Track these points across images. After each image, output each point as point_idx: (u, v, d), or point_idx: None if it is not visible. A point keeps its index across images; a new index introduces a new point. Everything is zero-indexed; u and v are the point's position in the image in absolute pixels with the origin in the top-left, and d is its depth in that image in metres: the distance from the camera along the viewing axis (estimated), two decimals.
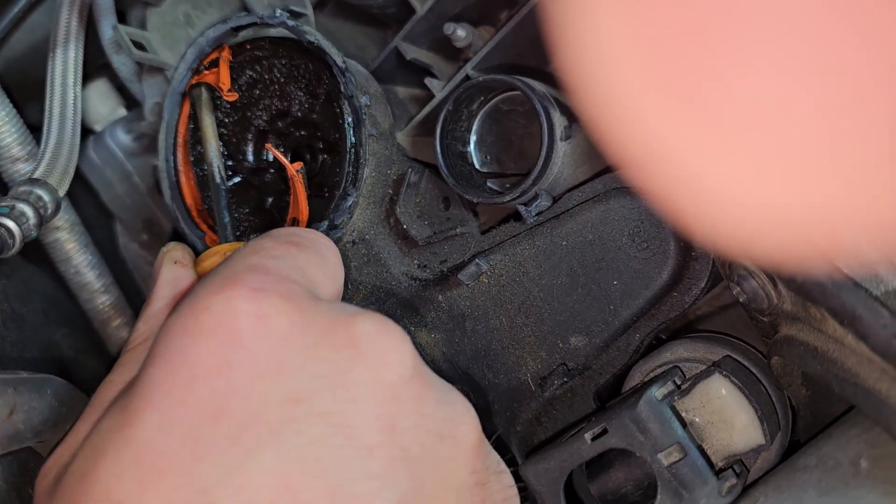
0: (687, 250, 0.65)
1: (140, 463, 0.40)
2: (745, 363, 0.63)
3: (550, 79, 0.79)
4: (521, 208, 0.68)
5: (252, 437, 0.40)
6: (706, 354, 0.65)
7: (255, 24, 0.72)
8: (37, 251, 0.93)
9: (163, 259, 0.59)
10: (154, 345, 0.44)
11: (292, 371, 0.42)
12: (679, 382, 0.62)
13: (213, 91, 0.75)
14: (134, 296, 1.06)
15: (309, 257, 0.51)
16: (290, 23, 0.70)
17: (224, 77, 0.74)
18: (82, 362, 0.87)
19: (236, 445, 0.40)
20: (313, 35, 0.70)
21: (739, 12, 0.26)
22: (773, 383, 0.63)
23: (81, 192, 1.03)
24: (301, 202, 0.69)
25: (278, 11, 0.71)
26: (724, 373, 0.61)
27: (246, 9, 0.81)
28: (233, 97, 0.75)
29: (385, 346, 0.45)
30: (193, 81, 0.75)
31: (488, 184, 0.72)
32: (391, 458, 0.42)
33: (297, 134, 0.77)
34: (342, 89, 0.69)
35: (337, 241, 0.70)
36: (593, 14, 0.30)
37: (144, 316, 0.55)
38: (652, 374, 0.66)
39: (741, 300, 0.58)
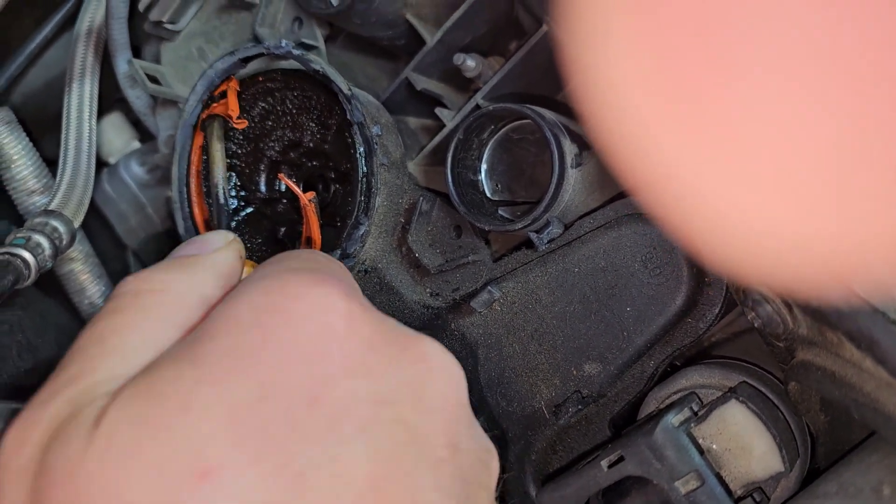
0: (700, 276, 0.65)
1: (238, 428, 0.37)
2: (762, 389, 0.63)
3: (560, 107, 0.80)
4: (533, 236, 0.68)
5: (346, 428, 0.40)
6: (722, 381, 0.64)
7: (261, 54, 0.73)
8: (51, 282, 0.93)
9: (231, 245, 0.53)
10: (230, 308, 0.43)
11: (380, 374, 0.43)
12: (696, 409, 0.61)
13: (226, 122, 0.76)
14: None
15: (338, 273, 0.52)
16: (296, 52, 0.71)
17: (233, 105, 0.75)
18: None
19: (333, 433, 0.40)
20: (318, 63, 0.71)
21: (755, 40, 0.26)
22: (791, 409, 0.62)
23: (96, 224, 1.04)
24: (314, 231, 0.69)
25: (284, 41, 0.72)
26: (741, 399, 0.60)
27: (257, 41, 0.83)
28: (242, 124, 0.75)
29: (450, 369, 0.47)
30: (205, 115, 0.76)
31: (499, 212, 0.73)
32: (453, 475, 0.44)
33: (310, 164, 0.78)
34: (348, 116, 0.70)
35: (349, 270, 0.71)
36: (606, 40, 0.30)
37: (186, 269, 0.48)
38: (668, 401, 0.66)
39: (756, 325, 0.58)
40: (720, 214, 0.31)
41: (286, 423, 0.39)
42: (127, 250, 1.09)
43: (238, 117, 0.74)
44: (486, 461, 0.48)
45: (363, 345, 0.44)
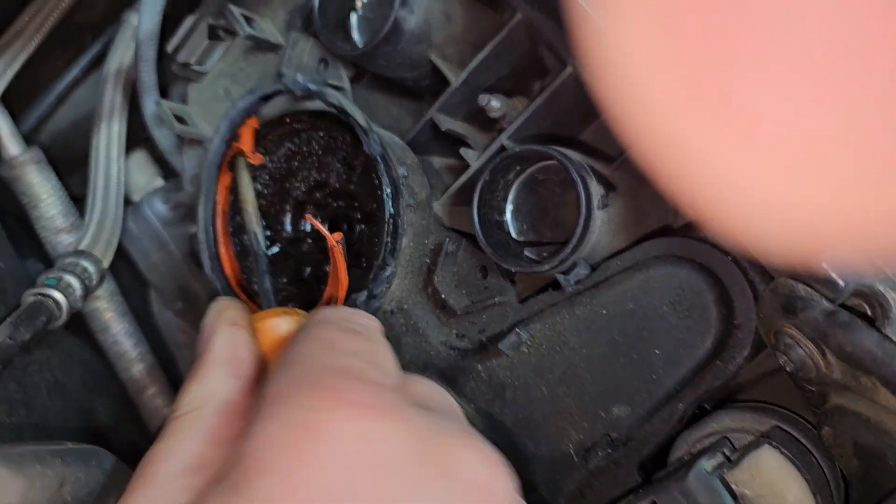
0: (729, 318, 0.64)
1: None
2: (795, 434, 0.62)
3: (583, 146, 0.81)
4: (560, 277, 0.68)
5: None
6: (754, 425, 0.64)
7: (280, 91, 0.74)
8: (77, 321, 0.94)
9: (218, 319, 0.56)
10: (255, 451, 0.43)
11: (412, 500, 0.42)
12: (728, 454, 0.61)
13: (257, 166, 0.77)
14: (167, 363, 1.07)
15: (374, 347, 0.52)
16: (313, 87, 0.72)
17: (246, 141, 0.76)
18: (119, 431, 0.88)
19: None
20: (335, 97, 0.71)
21: (769, 20, 0.26)
22: (825, 454, 0.62)
23: (118, 261, 1.04)
24: (341, 272, 0.70)
25: (300, 77, 0.73)
26: (774, 444, 0.59)
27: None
28: (258, 160, 0.76)
29: (493, 484, 0.46)
30: (228, 156, 0.77)
31: (525, 252, 0.73)
32: None
33: (335, 204, 0.79)
34: (365, 148, 0.70)
35: (375, 311, 0.71)
36: (621, 17, 0.30)
37: (198, 379, 0.52)
38: (698, 445, 0.65)
39: (788, 369, 0.57)
40: (743, 190, 0.31)
41: None
42: (149, 286, 1.10)
43: (254, 152, 0.75)
44: None
45: (388, 472, 0.43)
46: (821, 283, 0.52)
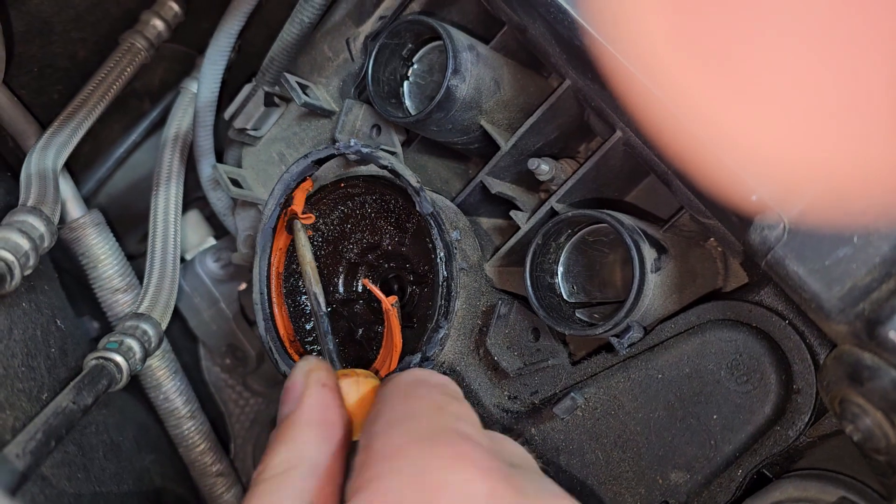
0: (789, 383, 0.64)
1: None
2: None
3: (631, 208, 0.81)
4: (614, 340, 0.68)
5: None
6: (819, 495, 0.62)
7: (332, 155, 0.76)
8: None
9: (309, 380, 0.55)
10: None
11: None
12: None
13: (313, 227, 0.79)
14: (216, 419, 1.08)
15: (472, 411, 0.52)
16: (365, 150, 0.73)
17: (298, 202, 0.77)
18: (169, 490, 0.88)
19: None
20: (386, 159, 0.73)
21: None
22: None
23: None
24: (395, 335, 0.70)
25: (353, 140, 0.74)
26: None
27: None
28: (309, 220, 0.77)
29: None
30: (287, 216, 0.78)
31: (577, 314, 0.73)
32: None
33: (387, 266, 0.80)
34: (417, 208, 0.71)
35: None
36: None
37: (288, 441, 0.52)
38: None
39: (855, 439, 0.56)
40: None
41: None
42: (198, 343, 1.12)
43: (303, 212, 0.77)
44: None
45: None
46: (889, 351, 0.51)
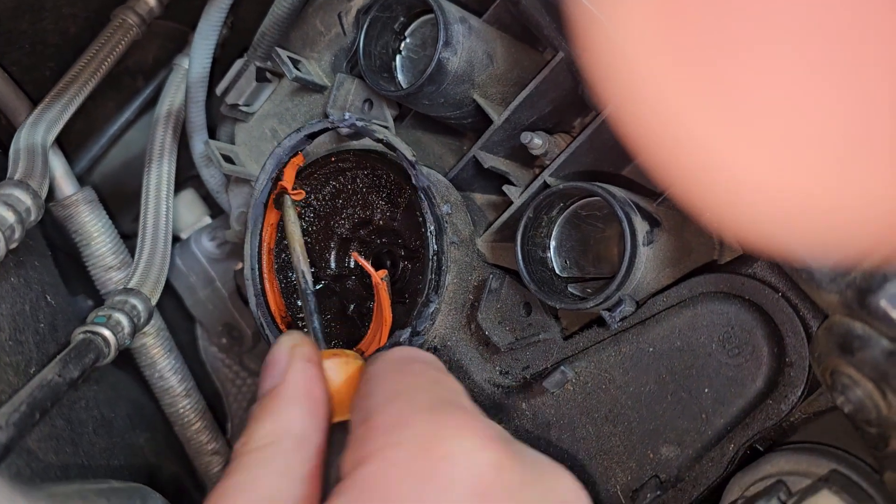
0: (781, 356, 0.63)
1: None
2: (855, 478, 0.60)
3: (626, 182, 0.80)
4: (605, 314, 0.67)
5: None
6: (810, 468, 0.62)
7: (326, 129, 0.75)
8: (123, 355, 0.95)
9: (293, 355, 0.54)
10: (381, 476, 0.43)
11: None
12: (784, 499, 0.59)
13: (303, 203, 0.78)
14: (212, 398, 1.08)
15: (461, 386, 0.52)
16: (360, 123, 0.73)
17: (288, 177, 0.76)
18: (164, 468, 0.88)
19: None
20: (381, 133, 0.72)
21: (769, 14, 0.27)
22: (887, 500, 0.59)
23: (165, 297, 1.06)
24: (385, 309, 0.70)
25: (347, 114, 0.74)
26: (834, 489, 0.57)
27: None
28: (299, 195, 0.77)
29: None
30: (277, 191, 0.77)
31: (569, 288, 0.72)
32: None
33: (378, 241, 0.79)
34: (414, 181, 0.71)
35: (419, 348, 0.71)
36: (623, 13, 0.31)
37: (273, 413, 0.51)
38: (752, 489, 0.63)
39: (846, 410, 0.55)
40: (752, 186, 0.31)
41: None
42: (195, 322, 1.12)
43: (294, 188, 0.76)
44: None
45: (510, 495, 0.44)
46: (879, 320, 0.51)
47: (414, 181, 0.71)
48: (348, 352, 0.59)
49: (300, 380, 0.52)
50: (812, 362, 0.61)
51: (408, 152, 0.72)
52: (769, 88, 0.28)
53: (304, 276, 0.70)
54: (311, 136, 0.77)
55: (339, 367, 0.56)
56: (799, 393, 0.63)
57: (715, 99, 0.30)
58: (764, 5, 0.27)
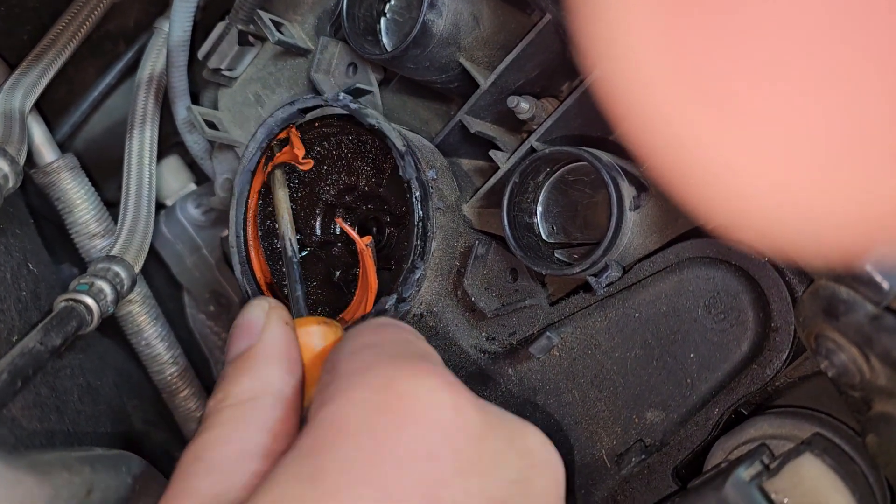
0: (766, 321, 0.63)
1: None
2: (838, 441, 0.60)
3: (614, 147, 0.79)
4: (592, 279, 0.67)
5: None
6: (794, 431, 0.62)
7: (320, 105, 0.74)
8: (109, 323, 0.95)
9: (270, 317, 0.54)
10: (340, 414, 0.43)
11: (490, 471, 0.44)
12: (767, 462, 0.59)
13: (288, 173, 0.77)
14: (200, 365, 1.08)
15: (436, 353, 0.52)
16: (354, 106, 0.71)
17: (298, 147, 0.75)
18: (151, 435, 0.88)
19: None
20: (374, 118, 0.71)
21: (772, 21, 0.26)
22: (869, 463, 0.60)
23: (152, 265, 1.06)
24: (370, 275, 0.69)
25: (342, 94, 0.72)
26: (816, 452, 0.57)
27: (314, 89, 0.84)
28: (308, 165, 0.76)
29: (555, 464, 0.48)
30: (270, 167, 0.76)
31: (556, 254, 0.72)
32: None
33: (364, 207, 0.78)
34: (401, 172, 0.70)
35: (405, 315, 0.70)
36: (623, 24, 0.30)
37: (251, 370, 0.51)
38: (736, 452, 0.64)
39: (830, 374, 0.55)
40: (750, 192, 0.31)
41: None
42: (182, 290, 1.11)
43: (303, 157, 0.75)
44: None
45: (472, 439, 0.44)
46: (864, 284, 0.50)
47: (401, 172, 0.70)
48: (329, 320, 0.58)
49: (279, 340, 0.52)
50: (797, 327, 0.60)
51: (399, 142, 0.70)
52: (760, 66, 0.27)
53: (290, 244, 0.70)
54: (305, 111, 0.76)
55: (321, 335, 0.56)
56: (784, 357, 0.63)
57: (703, 70, 0.29)
58: None
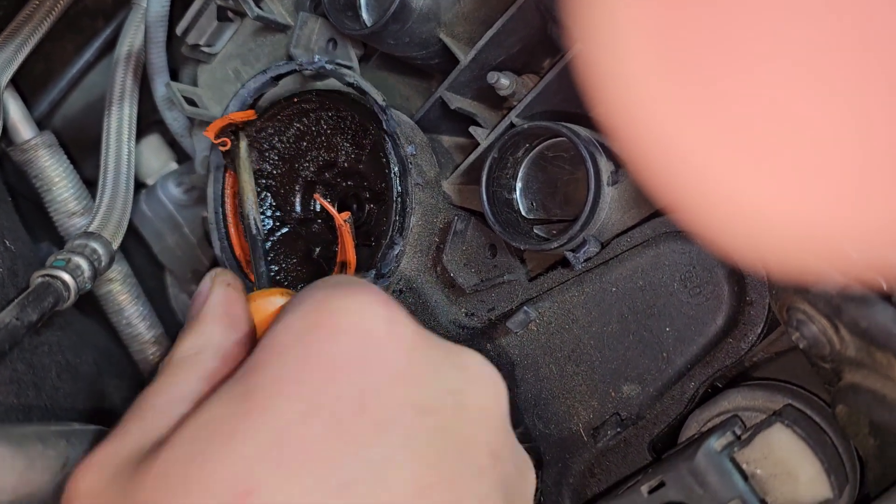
0: (742, 295, 0.63)
1: (281, 449, 0.39)
2: (808, 412, 0.61)
3: (595, 123, 0.79)
4: (569, 255, 0.67)
5: (390, 437, 0.41)
6: (766, 403, 0.63)
7: (294, 70, 0.73)
8: (90, 303, 0.95)
9: (214, 282, 0.57)
10: (273, 338, 0.44)
11: (423, 381, 0.44)
12: (739, 433, 0.60)
13: (256, 151, 0.77)
14: None
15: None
16: (329, 66, 0.71)
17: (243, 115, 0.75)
18: None
19: (378, 443, 0.41)
20: (352, 77, 0.71)
21: (768, 31, 0.26)
22: (839, 433, 0.60)
23: (133, 244, 1.05)
24: (349, 251, 0.69)
25: (316, 57, 0.72)
26: (787, 422, 0.58)
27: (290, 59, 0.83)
28: (250, 115, 0.75)
29: (492, 378, 0.48)
30: (230, 143, 0.75)
31: (535, 230, 0.72)
32: (494, 484, 0.44)
33: (344, 184, 0.78)
34: (384, 126, 0.70)
35: (384, 291, 0.70)
36: (618, 33, 0.30)
37: (194, 330, 0.53)
38: (709, 424, 0.64)
39: (801, 346, 0.56)
40: (742, 205, 0.31)
41: (331, 437, 0.40)
42: (164, 269, 1.11)
43: (258, 132, 0.74)
44: (524, 472, 0.49)
45: (405, 351, 0.44)
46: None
47: (384, 126, 0.70)
48: (290, 291, 0.59)
49: (220, 301, 0.55)
50: (770, 300, 0.61)
51: (378, 97, 0.70)
52: (750, 58, 0.27)
53: (254, 223, 0.69)
54: (277, 78, 0.75)
55: (281, 301, 0.56)
56: (758, 331, 0.64)
57: (684, 55, 0.29)
58: None
